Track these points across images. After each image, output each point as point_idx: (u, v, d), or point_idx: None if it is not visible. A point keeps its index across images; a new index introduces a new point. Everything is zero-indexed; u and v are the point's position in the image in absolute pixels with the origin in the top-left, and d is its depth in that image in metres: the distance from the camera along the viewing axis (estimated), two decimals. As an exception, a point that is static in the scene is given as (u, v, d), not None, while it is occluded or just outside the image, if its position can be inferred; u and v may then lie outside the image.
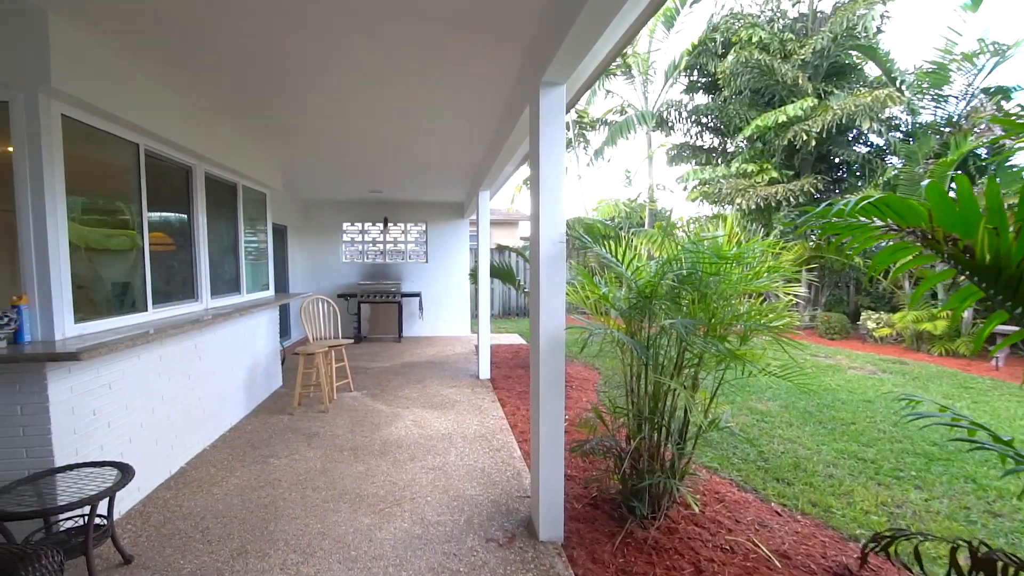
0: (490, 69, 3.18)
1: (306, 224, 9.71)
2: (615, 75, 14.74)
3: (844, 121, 10.53)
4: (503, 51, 2.91)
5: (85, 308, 2.86)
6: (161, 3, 2.40)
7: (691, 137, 14.95)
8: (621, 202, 16.70)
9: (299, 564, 2.44)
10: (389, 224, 10.10)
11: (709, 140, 14.95)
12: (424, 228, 10.25)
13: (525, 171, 7.88)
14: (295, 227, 9.24)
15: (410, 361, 7.51)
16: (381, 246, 10.22)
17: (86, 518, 2.15)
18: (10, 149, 2.46)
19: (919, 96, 10.46)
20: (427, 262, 10.23)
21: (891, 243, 1.90)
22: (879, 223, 1.83)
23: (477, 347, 6.66)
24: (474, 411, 4.93)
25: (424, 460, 3.71)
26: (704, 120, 14.28)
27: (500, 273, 7.69)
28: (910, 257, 1.81)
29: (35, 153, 2.45)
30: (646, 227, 14.43)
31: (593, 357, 7.68)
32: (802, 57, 11.79)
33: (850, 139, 12.22)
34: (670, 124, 14.65)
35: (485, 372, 6.38)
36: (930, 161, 9.15)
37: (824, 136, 11.06)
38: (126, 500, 2.93)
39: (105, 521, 2.33)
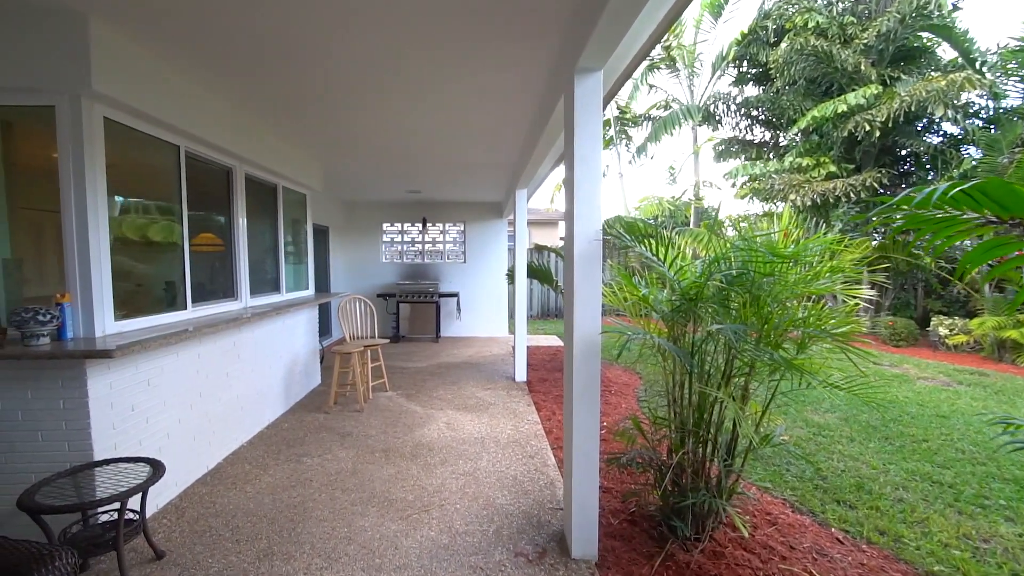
0: (524, 59, 3.03)
1: (347, 225, 9.91)
2: (659, 69, 14.25)
3: (913, 109, 9.68)
4: (536, 39, 2.76)
5: (125, 306, 2.94)
6: (199, 6, 2.42)
7: (740, 131, 14.25)
8: (665, 200, 16.14)
9: (323, 569, 2.38)
10: (427, 224, 10.15)
11: (760, 134, 14.21)
12: (462, 228, 10.23)
13: (562, 171, 7.72)
14: (336, 228, 9.44)
15: (446, 362, 7.48)
16: (420, 246, 10.29)
17: (117, 513, 2.17)
18: (55, 155, 2.54)
19: (1004, 78, 9.46)
20: (465, 262, 10.21)
21: (975, 238, 1.63)
22: (972, 215, 1.56)
23: (514, 348, 6.54)
24: (508, 415, 4.80)
25: (455, 465, 3.62)
26: (754, 113, 13.56)
27: (537, 273, 7.54)
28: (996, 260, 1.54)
29: (78, 155, 2.53)
30: (691, 226, 13.86)
31: (633, 362, 7.38)
32: (865, 41, 10.94)
33: (919, 129, 11.24)
34: (717, 118, 14.01)
35: (521, 374, 6.25)
36: (1017, 149, 8.24)
37: (890, 126, 10.22)
38: (164, 494, 2.99)
39: (137, 516, 2.36)
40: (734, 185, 13.74)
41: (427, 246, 10.30)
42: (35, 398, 2.44)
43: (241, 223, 4.25)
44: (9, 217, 2.70)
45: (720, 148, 14.67)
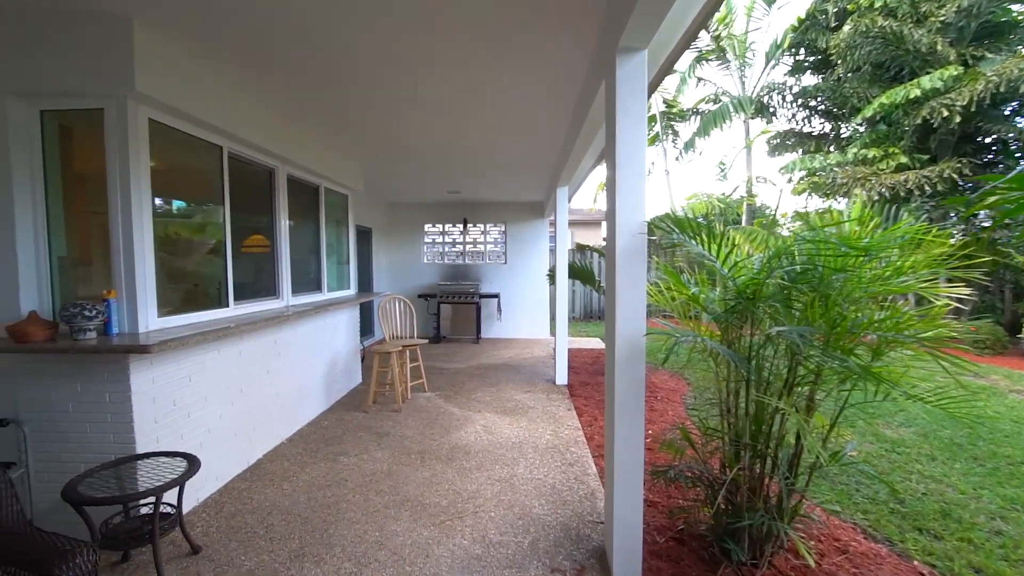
0: (562, 43, 2.88)
1: (390, 226, 10.05)
2: (708, 60, 13.61)
3: (1001, 90, 8.71)
4: (575, 20, 2.60)
5: (169, 302, 3.01)
6: (239, 9, 2.43)
7: (797, 123, 13.39)
8: (715, 197, 15.44)
9: (352, 575, 2.31)
10: (468, 225, 10.14)
11: (819, 125, 13.29)
12: (503, 228, 10.15)
13: (603, 171, 7.44)
14: (380, 229, 9.58)
15: (486, 363, 7.40)
16: (461, 247, 10.30)
17: (153, 507, 2.18)
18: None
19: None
20: (506, 263, 10.12)
21: None
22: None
23: (555, 350, 6.37)
24: (548, 419, 4.63)
25: (491, 470, 3.49)
26: (813, 103, 12.71)
27: (579, 274, 7.31)
28: None
29: (124, 155, 2.59)
30: (743, 224, 13.15)
31: (681, 367, 7.02)
32: (942, 19, 9.98)
33: (1008, 113, 10.12)
34: (772, 110, 13.23)
35: (562, 377, 6.06)
36: None
37: (972, 111, 9.25)
38: (204, 489, 3.03)
39: (174, 511, 2.38)
40: (790, 180, 12.93)
41: (468, 247, 10.29)
42: (84, 391, 2.52)
43: (283, 223, 4.31)
44: (67, 218, 2.81)
45: (775, 142, 13.86)
